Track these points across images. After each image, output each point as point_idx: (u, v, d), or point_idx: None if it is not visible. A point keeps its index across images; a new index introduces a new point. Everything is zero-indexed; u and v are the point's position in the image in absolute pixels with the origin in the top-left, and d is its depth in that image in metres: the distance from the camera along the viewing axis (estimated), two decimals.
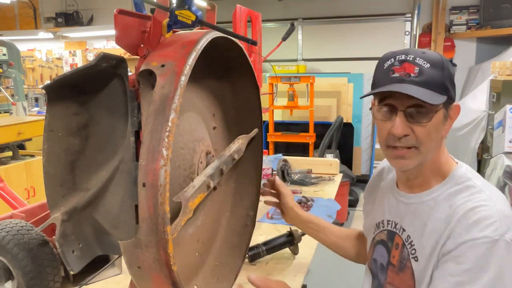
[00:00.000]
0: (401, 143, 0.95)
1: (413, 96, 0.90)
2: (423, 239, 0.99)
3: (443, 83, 0.93)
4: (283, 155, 2.51)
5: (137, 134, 0.87)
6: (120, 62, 0.87)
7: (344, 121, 4.79)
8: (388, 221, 1.12)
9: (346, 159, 4.93)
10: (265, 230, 1.70)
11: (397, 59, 0.95)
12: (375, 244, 1.17)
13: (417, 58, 0.93)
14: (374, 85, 0.99)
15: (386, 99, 0.96)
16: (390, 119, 0.96)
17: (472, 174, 1.01)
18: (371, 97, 1.01)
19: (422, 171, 1.02)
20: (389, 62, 0.96)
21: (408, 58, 0.94)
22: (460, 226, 0.91)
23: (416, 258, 1.00)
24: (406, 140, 0.95)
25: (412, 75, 0.92)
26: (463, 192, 0.97)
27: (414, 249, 1.01)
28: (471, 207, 0.92)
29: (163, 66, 0.79)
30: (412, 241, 1.02)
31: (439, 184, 1.01)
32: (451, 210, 0.95)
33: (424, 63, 0.93)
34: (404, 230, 1.05)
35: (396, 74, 0.93)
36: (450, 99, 0.95)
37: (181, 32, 0.94)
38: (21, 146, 3.94)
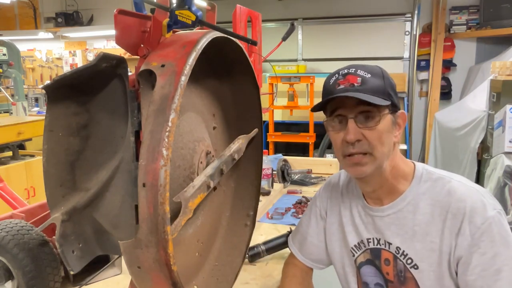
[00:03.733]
0: (355, 149, 0.99)
1: (359, 104, 0.97)
2: (416, 244, 1.00)
3: (385, 90, 0.99)
4: (283, 155, 2.51)
5: (137, 134, 0.88)
6: (120, 62, 0.87)
7: None
8: (368, 239, 1.09)
9: None
10: (265, 230, 1.70)
11: (340, 74, 1.02)
12: (359, 266, 1.13)
13: (359, 70, 1.00)
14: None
15: (336, 111, 1.01)
16: (342, 129, 1.00)
17: (430, 168, 1.07)
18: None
19: (384, 178, 1.04)
20: (334, 78, 1.02)
21: (350, 71, 1.01)
22: (463, 221, 0.94)
23: (415, 266, 1.00)
24: (360, 145, 0.99)
25: (355, 84, 0.98)
26: (436, 186, 1.01)
27: (410, 258, 1.01)
28: (458, 198, 0.97)
29: (163, 66, 0.79)
30: (404, 251, 1.02)
31: (407, 187, 1.04)
32: (436, 207, 0.99)
33: (365, 74, 0.99)
34: (390, 243, 1.05)
35: (341, 86, 0.99)
36: (395, 107, 1.01)
37: (181, 32, 0.94)
38: (21, 146, 3.94)
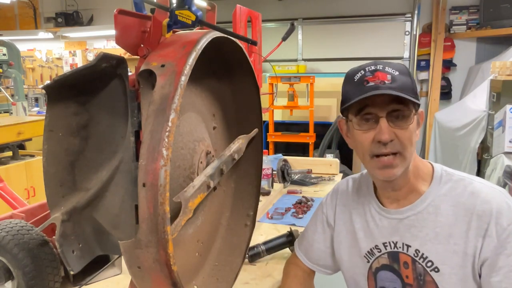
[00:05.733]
0: (388, 149, 0.96)
1: (391, 102, 0.94)
2: (438, 247, 0.98)
3: (413, 88, 0.97)
4: (283, 155, 2.51)
5: (137, 134, 0.87)
6: (120, 62, 0.87)
7: None
8: (384, 243, 1.06)
9: (346, 159, 4.92)
10: (265, 230, 1.70)
11: (367, 70, 0.97)
12: (375, 272, 1.09)
13: (386, 67, 0.97)
14: (348, 99, 0.99)
15: (365, 109, 0.97)
16: (372, 128, 0.97)
17: (449, 169, 1.04)
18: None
19: (407, 179, 1.02)
20: (359, 75, 0.98)
21: (378, 68, 0.97)
22: (490, 222, 0.93)
23: (436, 269, 0.98)
24: (393, 145, 0.96)
25: (386, 82, 0.94)
26: (457, 188, 0.99)
27: (431, 261, 0.98)
28: (483, 200, 0.95)
29: (163, 66, 0.79)
30: (423, 254, 0.99)
31: (426, 188, 1.02)
32: (460, 209, 0.97)
33: (393, 71, 0.96)
34: (409, 246, 1.02)
35: (371, 83, 0.95)
36: (419, 105, 0.99)
37: (181, 32, 0.94)
38: (21, 146, 3.93)
